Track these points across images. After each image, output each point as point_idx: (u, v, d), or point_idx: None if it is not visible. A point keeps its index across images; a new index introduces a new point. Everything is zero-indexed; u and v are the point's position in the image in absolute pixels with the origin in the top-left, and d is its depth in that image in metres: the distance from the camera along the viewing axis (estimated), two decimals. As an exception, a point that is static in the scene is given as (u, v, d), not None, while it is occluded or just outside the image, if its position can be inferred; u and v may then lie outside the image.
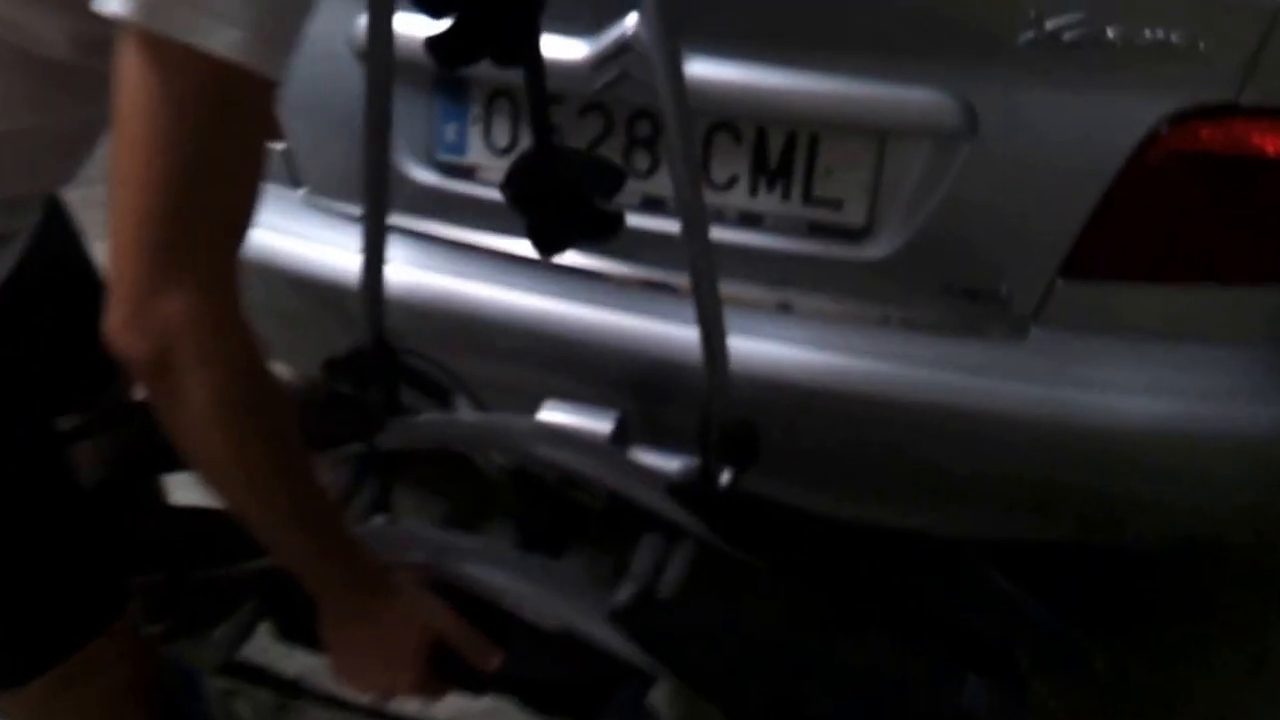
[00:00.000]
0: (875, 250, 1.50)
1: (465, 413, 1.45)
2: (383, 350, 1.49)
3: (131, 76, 0.83)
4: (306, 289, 1.71)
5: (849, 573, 1.26)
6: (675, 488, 1.34)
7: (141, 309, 0.86)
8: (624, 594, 1.27)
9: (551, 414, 1.48)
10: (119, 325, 0.87)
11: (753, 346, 1.52)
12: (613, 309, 1.59)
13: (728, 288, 1.51)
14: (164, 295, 0.85)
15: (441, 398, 1.48)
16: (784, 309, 1.55)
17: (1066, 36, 1.34)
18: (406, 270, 1.65)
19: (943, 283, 1.48)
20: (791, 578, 1.27)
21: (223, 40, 0.81)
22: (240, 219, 0.90)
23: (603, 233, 1.35)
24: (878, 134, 1.46)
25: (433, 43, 1.22)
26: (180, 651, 1.30)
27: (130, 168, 0.84)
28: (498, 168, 1.61)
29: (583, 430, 1.45)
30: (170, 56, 0.82)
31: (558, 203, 1.34)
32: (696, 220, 1.27)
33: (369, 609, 1.11)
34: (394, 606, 1.12)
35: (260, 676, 1.32)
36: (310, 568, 1.06)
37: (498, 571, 1.23)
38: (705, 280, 1.29)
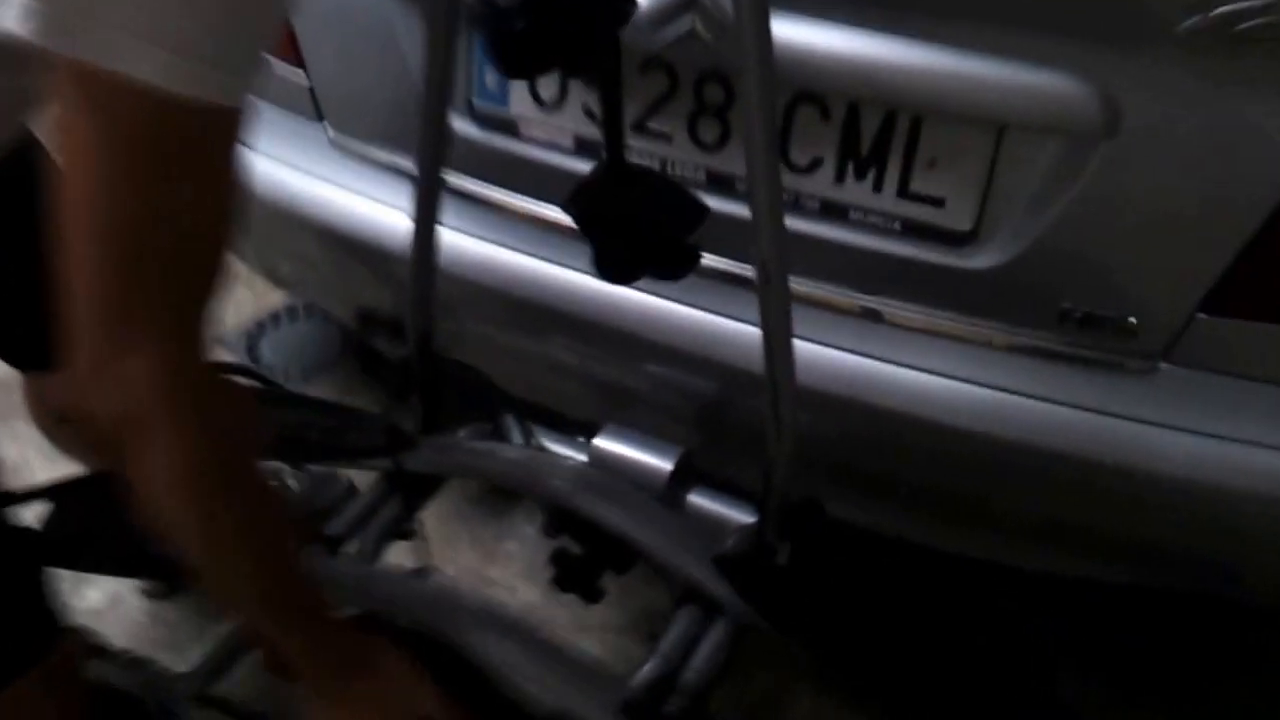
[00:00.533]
0: (981, 260, 1.25)
1: (502, 446, 1.30)
2: (427, 361, 1.33)
3: (63, 109, 0.68)
4: (332, 240, 1.53)
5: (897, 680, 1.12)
6: (723, 559, 1.18)
7: (102, 369, 0.76)
8: (643, 677, 1.15)
9: (608, 443, 1.35)
10: (81, 382, 0.77)
11: (832, 355, 1.33)
12: (670, 297, 1.39)
13: (807, 285, 1.32)
14: (124, 356, 0.76)
15: (488, 416, 1.33)
16: (872, 317, 1.33)
17: (1241, 26, 1.05)
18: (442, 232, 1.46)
19: (1058, 304, 1.24)
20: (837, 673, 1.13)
21: (150, 65, 0.66)
22: (203, 271, 0.77)
23: (678, 270, 1.15)
24: (995, 123, 1.18)
25: (498, 46, 0.99)
26: (158, 683, 1.23)
27: (75, 213, 0.71)
28: (544, 125, 1.39)
29: (638, 467, 1.31)
30: (97, 85, 0.66)
31: (628, 232, 1.14)
32: (769, 207, 1.05)
33: (351, 691, 1.02)
34: (379, 691, 1.03)
35: (238, 712, 1.24)
36: (284, 643, 0.98)
37: (505, 645, 1.12)
38: (774, 280, 1.08)
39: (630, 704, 1.07)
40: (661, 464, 1.34)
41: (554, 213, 1.40)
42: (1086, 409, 1.26)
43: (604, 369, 1.42)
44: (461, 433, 1.38)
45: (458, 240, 1.44)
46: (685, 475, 1.35)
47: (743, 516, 1.31)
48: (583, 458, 1.40)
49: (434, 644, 1.11)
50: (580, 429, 1.44)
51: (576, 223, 1.15)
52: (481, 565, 1.84)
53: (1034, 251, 1.22)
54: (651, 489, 1.34)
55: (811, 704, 1.34)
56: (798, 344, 1.25)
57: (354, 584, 1.24)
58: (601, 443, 1.37)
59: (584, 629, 1.70)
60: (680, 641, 1.17)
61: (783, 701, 1.57)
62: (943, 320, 1.30)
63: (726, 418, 1.39)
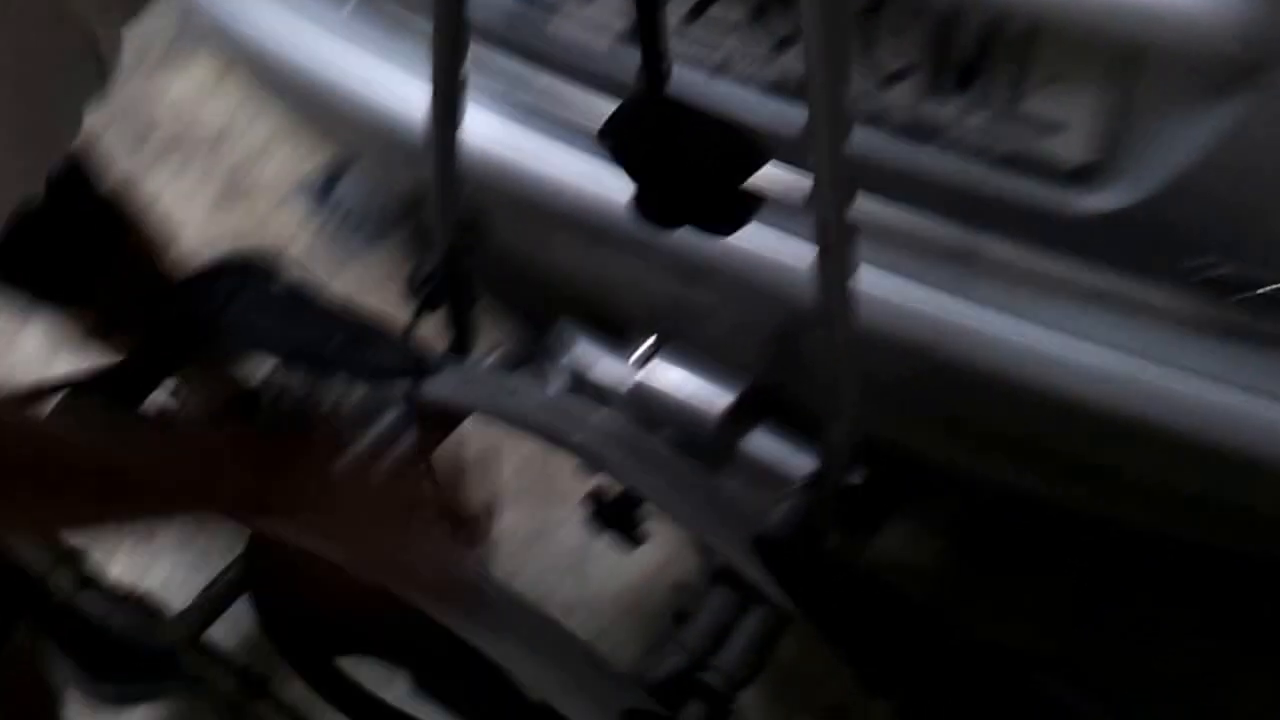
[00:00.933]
0: (1102, 200, 1.02)
1: (530, 385, 1.15)
2: (456, 276, 1.18)
3: None
4: (356, 113, 1.37)
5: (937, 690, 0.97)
6: (763, 541, 1.03)
7: None
8: (660, 672, 1.02)
9: (662, 372, 1.19)
10: None
11: (912, 293, 1.13)
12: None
13: (891, 211, 1.11)
14: None
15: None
16: (965, 258, 1.12)
17: None
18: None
19: (1191, 260, 1.02)
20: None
21: None
22: None
23: (730, 222, 0.96)
24: (1135, 38, 0.95)
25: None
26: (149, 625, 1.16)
27: None
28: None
29: (691, 402, 1.16)
30: None
31: (671, 177, 0.95)
32: (831, 120, 0.84)
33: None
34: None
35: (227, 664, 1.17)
36: None
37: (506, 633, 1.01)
38: (835, 247, 0.90)
39: (633, 713, 0.95)
40: (718, 398, 1.19)
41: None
42: (1213, 382, 1.05)
43: (662, 285, 1.26)
44: (491, 358, 1.25)
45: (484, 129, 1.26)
46: (746, 413, 1.20)
47: (806, 467, 1.17)
48: (631, 382, 1.26)
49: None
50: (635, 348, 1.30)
51: (613, 157, 0.97)
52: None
53: (1170, 196, 0.99)
54: (704, 425, 1.20)
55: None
56: (873, 276, 1.08)
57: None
58: (653, 372, 1.22)
59: (603, 599, 1.60)
60: (708, 630, 1.04)
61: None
62: (1050, 267, 1.09)
63: (798, 349, 1.22)
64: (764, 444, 1.20)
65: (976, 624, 1.00)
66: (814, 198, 0.89)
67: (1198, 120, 0.93)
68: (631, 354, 1.24)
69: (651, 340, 1.23)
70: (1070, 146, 1.01)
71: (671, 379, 1.22)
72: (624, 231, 1.13)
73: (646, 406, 1.21)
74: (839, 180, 0.87)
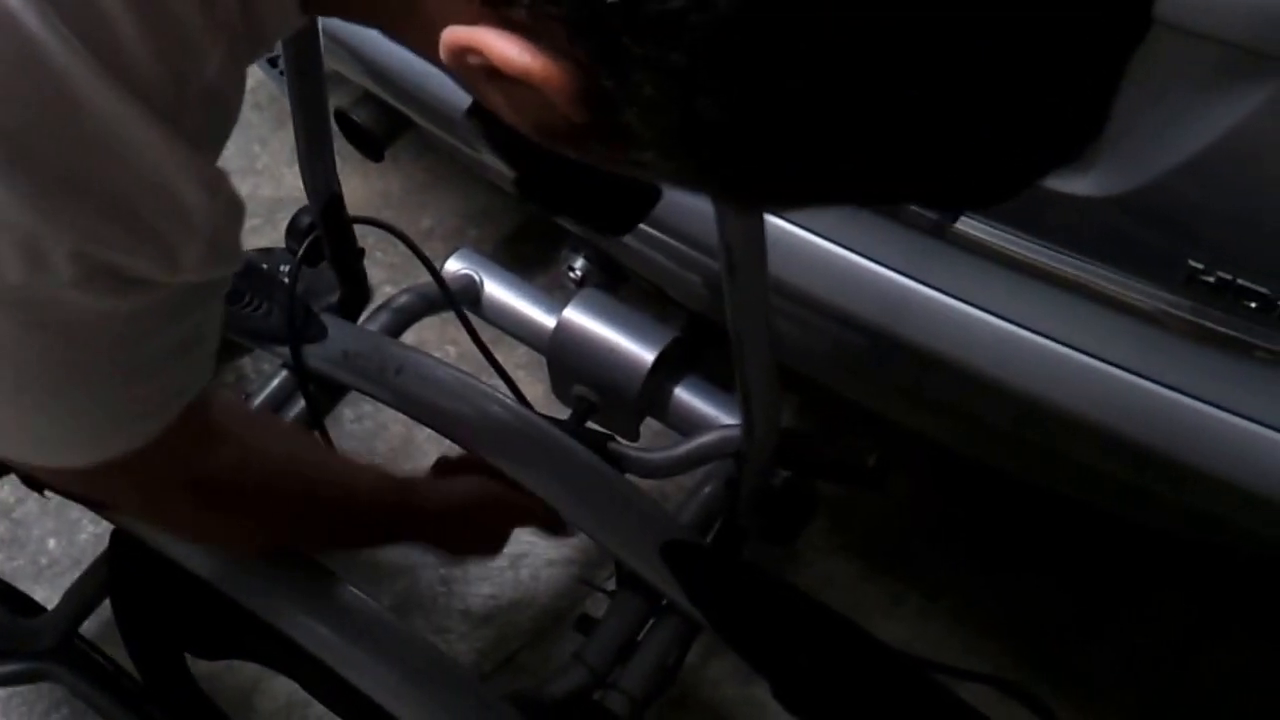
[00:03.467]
0: (1089, 184, 0.90)
1: (423, 359, 1.01)
2: (336, 228, 1.03)
3: None
4: None
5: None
6: (672, 548, 0.92)
7: None
8: (561, 686, 0.92)
9: (581, 313, 1.08)
10: None
11: (872, 272, 1.00)
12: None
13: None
14: None
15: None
16: (934, 231, 0.99)
17: None
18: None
19: (1183, 260, 0.90)
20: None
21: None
22: None
23: (621, 221, 0.78)
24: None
25: None
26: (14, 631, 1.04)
27: None
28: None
29: (616, 347, 1.05)
30: None
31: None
32: None
33: (464, 540, 1.03)
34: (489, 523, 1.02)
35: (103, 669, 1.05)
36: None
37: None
38: (740, 270, 0.76)
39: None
40: (648, 344, 1.09)
41: None
42: (1192, 395, 0.95)
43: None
44: (385, 316, 1.12)
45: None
46: (672, 363, 1.09)
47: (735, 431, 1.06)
48: (550, 324, 1.14)
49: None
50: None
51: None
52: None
53: (1164, 186, 0.87)
54: (629, 376, 1.09)
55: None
56: (832, 253, 0.96)
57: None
58: (574, 313, 1.11)
59: (479, 611, 1.46)
60: (611, 643, 0.93)
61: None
62: (1026, 251, 0.97)
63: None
64: (692, 398, 1.10)
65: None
66: (720, 257, 0.75)
67: (1202, 112, 0.81)
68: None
69: (579, 266, 1.11)
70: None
71: (596, 322, 1.11)
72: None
73: (570, 351, 1.11)
74: (748, 238, 0.75)
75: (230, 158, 0.55)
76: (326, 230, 1.02)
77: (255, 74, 1.65)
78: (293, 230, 1.04)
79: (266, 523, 0.83)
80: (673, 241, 1.11)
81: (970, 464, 1.21)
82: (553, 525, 1.02)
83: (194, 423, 0.67)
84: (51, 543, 1.48)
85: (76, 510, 1.51)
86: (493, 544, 1.06)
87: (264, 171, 1.80)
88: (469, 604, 1.46)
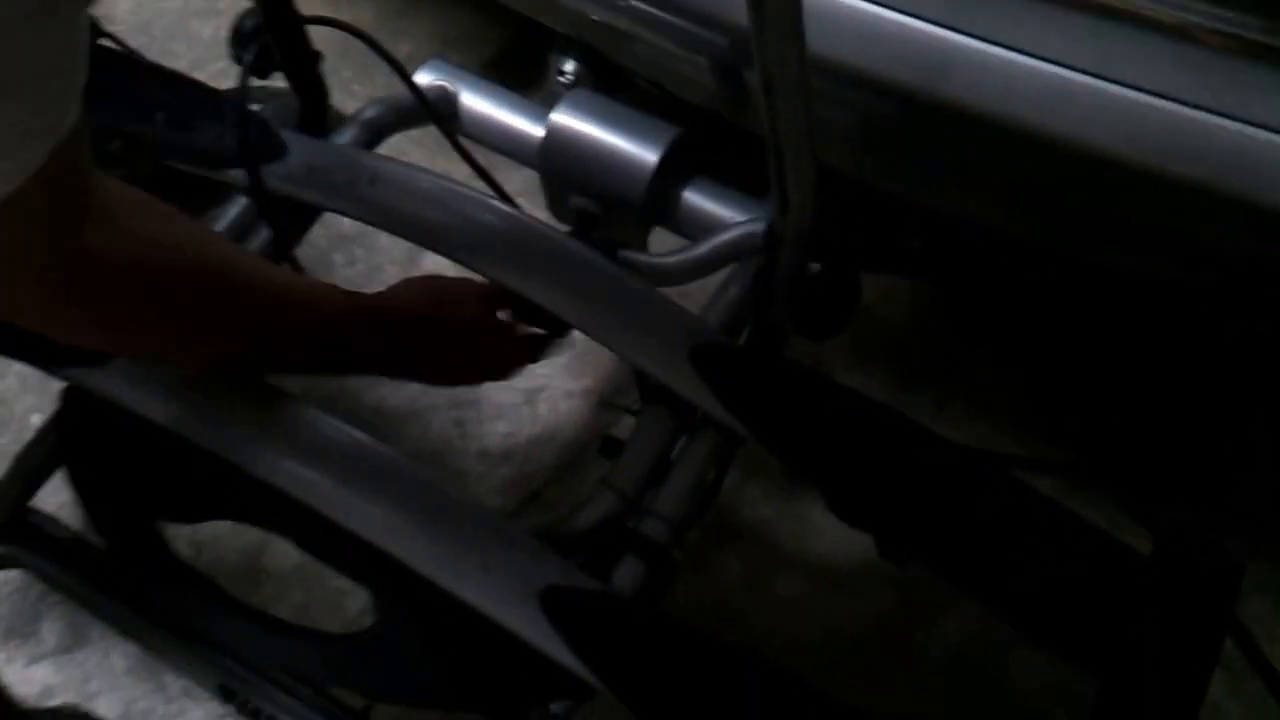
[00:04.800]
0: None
1: (404, 169, 0.88)
2: (286, 29, 0.89)
3: None
4: None
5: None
6: (703, 350, 0.81)
7: None
8: (580, 523, 0.82)
9: (570, 117, 0.96)
10: None
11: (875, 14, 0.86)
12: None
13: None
14: None
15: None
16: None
17: None
18: None
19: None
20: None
21: None
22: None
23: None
24: None
25: None
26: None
27: None
28: None
29: (619, 151, 0.93)
30: None
31: None
32: None
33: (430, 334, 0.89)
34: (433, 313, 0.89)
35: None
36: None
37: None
38: None
39: (550, 592, 0.74)
40: (650, 144, 0.96)
41: None
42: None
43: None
44: (352, 130, 0.98)
45: None
46: (681, 163, 0.97)
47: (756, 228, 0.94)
48: (539, 132, 1.01)
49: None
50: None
51: None
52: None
53: None
54: (632, 180, 0.97)
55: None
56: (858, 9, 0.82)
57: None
58: (564, 116, 0.98)
59: (497, 450, 1.36)
60: (641, 464, 0.83)
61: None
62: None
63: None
64: (703, 200, 0.98)
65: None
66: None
67: None
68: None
69: (569, 70, 0.98)
70: None
71: (590, 124, 0.99)
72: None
73: (563, 159, 0.99)
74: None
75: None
76: (274, 32, 0.89)
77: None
78: (237, 36, 0.90)
79: (166, 325, 0.71)
80: (678, 21, 0.98)
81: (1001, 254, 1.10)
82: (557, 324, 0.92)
83: (68, 183, 0.58)
84: (35, 418, 1.39)
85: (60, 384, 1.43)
86: (517, 349, 0.94)
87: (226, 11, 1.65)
88: (485, 444, 1.36)
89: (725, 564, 1.25)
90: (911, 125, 0.88)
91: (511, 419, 1.37)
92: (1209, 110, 0.81)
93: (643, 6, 0.93)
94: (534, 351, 0.94)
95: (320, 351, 0.83)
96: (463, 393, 1.39)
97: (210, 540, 1.20)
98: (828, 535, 1.26)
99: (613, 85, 1.26)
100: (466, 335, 0.91)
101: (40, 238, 0.58)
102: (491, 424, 1.37)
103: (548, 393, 1.37)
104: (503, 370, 0.95)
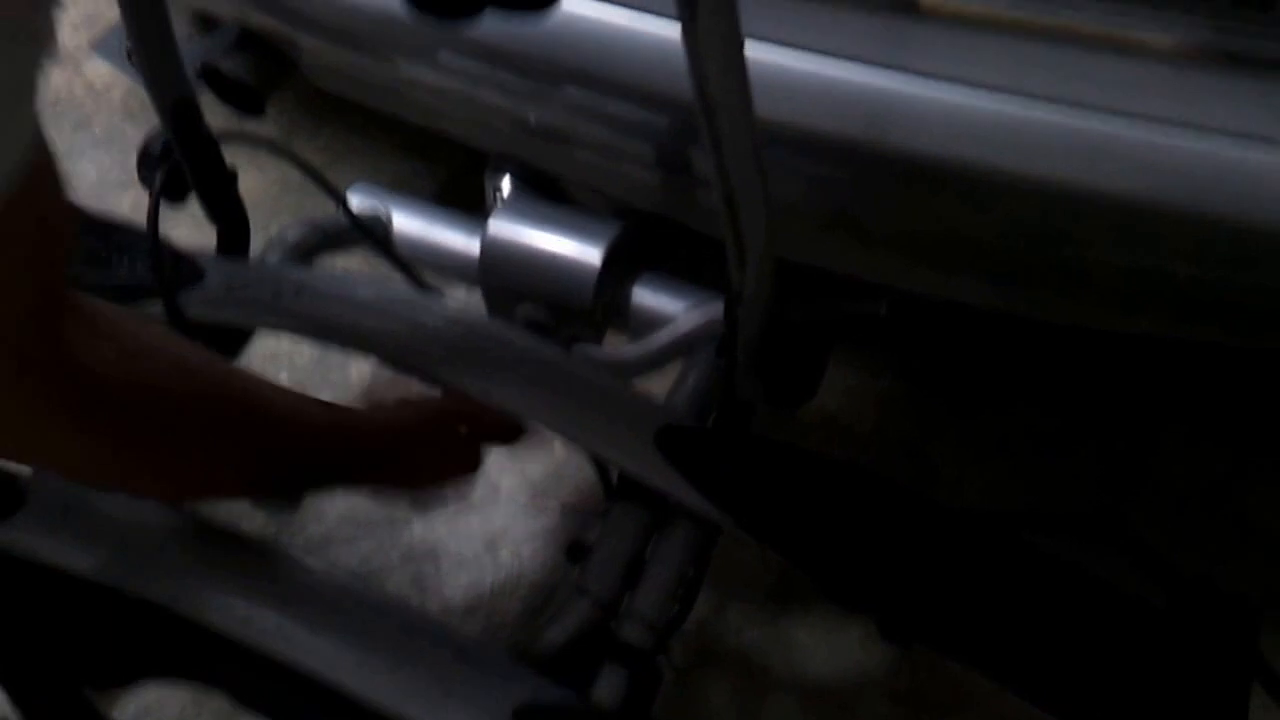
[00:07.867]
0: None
1: (333, 279, 0.83)
2: (196, 150, 0.86)
3: None
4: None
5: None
6: (668, 435, 0.75)
7: None
8: (562, 628, 0.75)
9: (505, 225, 0.92)
10: None
11: (836, 73, 0.84)
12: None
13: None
14: None
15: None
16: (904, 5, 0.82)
17: None
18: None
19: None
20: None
21: None
22: None
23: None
24: None
25: None
26: None
27: None
28: None
29: (560, 256, 0.88)
30: None
31: None
32: None
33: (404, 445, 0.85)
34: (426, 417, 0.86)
35: None
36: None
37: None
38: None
39: (523, 712, 0.65)
40: (591, 246, 0.93)
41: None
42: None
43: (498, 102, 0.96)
44: (277, 252, 0.93)
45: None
46: (623, 260, 0.93)
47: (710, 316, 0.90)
48: (476, 246, 0.97)
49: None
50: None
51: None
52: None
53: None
54: (579, 281, 0.93)
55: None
56: (774, 59, 0.80)
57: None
58: (501, 225, 0.94)
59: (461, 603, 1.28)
60: (614, 562, 0.75)
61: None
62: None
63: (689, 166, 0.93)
64: (654, 294, 0.94)
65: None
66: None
67: None
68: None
69: (504, 184, 0.95)
70: None
71: (529, 229, 0.95)
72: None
73: (504, 270, 0.94)
74: None
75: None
76: (184, 149, 0.84)
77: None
78: (145, 159, 0.86)
79: (158, 447, 0.65)
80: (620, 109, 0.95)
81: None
82: (510, 433, 0.87)
83: (55, 293, 0.57)
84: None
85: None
86: (468, 459, 0.91)
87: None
88: (447, 598, 1.28)
89: (711, 688, 1.17)
90: (865, 185, 0.85)
91: (473, 569, 1.29)
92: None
93: (581, 95, 0.90)
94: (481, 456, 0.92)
95: (290, 468, 0.78)
96: (418, 547, 1.31)
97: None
98: (817, 655, 1.19)
99: (552, 196, 1.24)
100: (469, 444, 0.90)
101: (47, 347, 0.56)
102: (452, 576, 1.29)
103: (509, 537, 1.29)
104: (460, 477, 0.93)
